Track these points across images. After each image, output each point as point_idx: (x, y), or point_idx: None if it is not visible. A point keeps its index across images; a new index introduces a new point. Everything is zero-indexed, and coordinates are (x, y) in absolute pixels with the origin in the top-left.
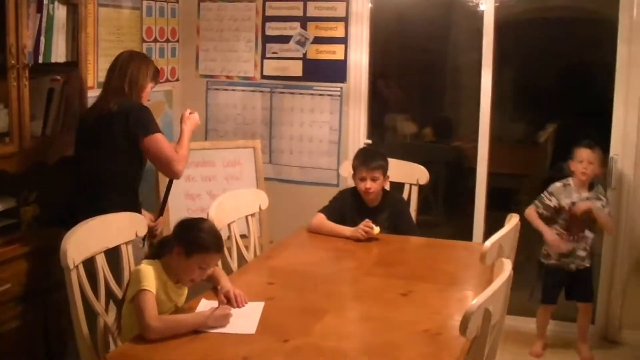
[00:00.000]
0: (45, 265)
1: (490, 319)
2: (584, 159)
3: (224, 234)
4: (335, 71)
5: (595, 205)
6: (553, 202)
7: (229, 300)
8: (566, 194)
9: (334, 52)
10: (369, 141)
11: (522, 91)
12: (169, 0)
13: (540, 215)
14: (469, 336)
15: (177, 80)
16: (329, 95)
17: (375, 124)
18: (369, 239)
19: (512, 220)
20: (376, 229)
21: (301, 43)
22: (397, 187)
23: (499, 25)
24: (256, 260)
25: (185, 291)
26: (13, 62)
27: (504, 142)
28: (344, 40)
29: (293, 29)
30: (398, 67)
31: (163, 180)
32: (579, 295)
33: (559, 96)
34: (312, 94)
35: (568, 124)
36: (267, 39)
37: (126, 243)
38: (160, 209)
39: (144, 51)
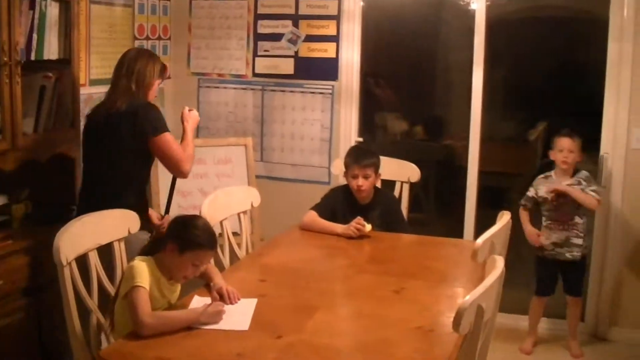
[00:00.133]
0: (37, 262)
1: (483, 315)
2: (564, 147)
3: (216, 231)
4: (327, 69)
5: (563, 186)
6: (531, 193)
7: (221, 297)
8: (547, 184)
9: (326, 50)
10: (360, 139)
11: (513, 90)
12: None
13: (529, 210)
14: (462, 332)
15: (169, 78)
16: (321, 93)
17: (367, 122)
18: (361, 236)
19: (504, 218)
20: (368, 227)
21: (293, 41)
22: (389, 184)
23: (490, 24)
24: (248, 258)
25: (179, 288)
26: (5, 59)
27: (495, 140)
28: (335, 39)
29: (285, 27)
30: (389, 65)
31: (160, 179)
32: (568, 289)
33: (550, 95)
34: (303, 92)
35: (558, 123)
36: (258, 37)
37: (119, 240)
38: (166, 207)
39: None
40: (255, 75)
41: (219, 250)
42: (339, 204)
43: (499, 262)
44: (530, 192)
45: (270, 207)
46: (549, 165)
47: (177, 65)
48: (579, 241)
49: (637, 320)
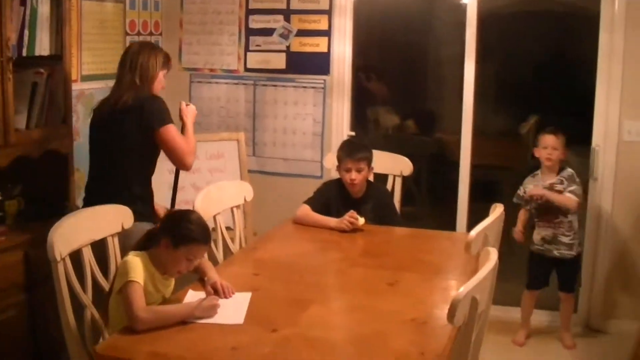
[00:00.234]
0: (31, 258)
1: (477, 307)
2: (548, 145)
3: (210, 226)
4: (319, 64)
5: (540, 190)
6: (521, 192)
7: (216, 292)
8: (534, 182)
9: (318, 45)
10: (353, 133)
11: (505, 83)
12: None
13: (527, 210)
14: (456, 324)
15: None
16: (313, 87)
17: (359, 116)
18: (354, 230)
19: (497, 210)
20: (361, 220)
21: (285, 36)
22: (381, 178)
23: (481, 18)
24: (242, 252)
25: (173, 282)
26: None
27: (487, 134)
28: (327, 33)
29: (276, 22)
30: (381, 59)
31: (155, 174)
32: (561, 286)
33: (541, 88)
34: (295, 87)
35: (550, 116)
36: (250, 32)
37: (112, 235)
38: (171, 201)
39: (127, 44)
40: (247, 70)
41: (212, 245)
42: (332, 198)
43: (493, 254)
44: (520, 191)
45: (263, 201)
46: (539, 162)
47: None
48: (566, 239)
49: (629, 311)
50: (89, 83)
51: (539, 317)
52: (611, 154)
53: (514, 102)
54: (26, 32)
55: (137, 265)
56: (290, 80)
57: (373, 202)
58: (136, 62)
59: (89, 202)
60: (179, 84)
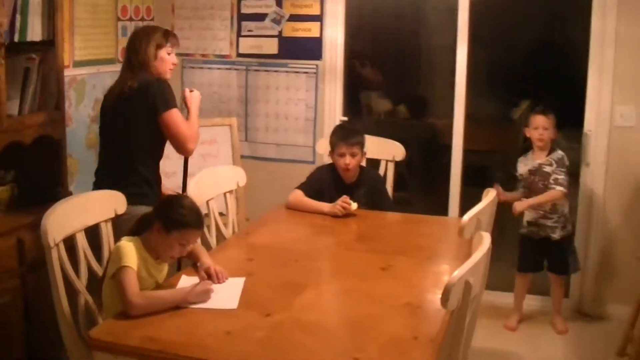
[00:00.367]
0: (24, 244)
1: (471, 291)
2: (539, 125)
3: (203, 211)
4: (311, 49)
5: (524, 204)
6: (517, 172)
7: (209, 277)
8: (525, 162)
9: (310, 30)
10: (345, 118)
11: (496, 69)
12: None
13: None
14: (449, 308)
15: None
16: (305, 72)
17: (351, 102)
18: (347, 215)
19: (489, 195)
20: (354, 205)
21: (277, 21)
22: (374, 163)
23: (473, 3)
24: (235, 237)
25: (166, 268)
26: None
27: (479, 119)
28: (319, 18)
29: (268, 7)
30: (373, 44)
31: None
32: (549, 267)
33: (533, 73)
34: (287, 72)
35: (542, 101)
36: (242, 17)
37: (106, 221)
38: (182, 187)
39: (119, 30)
40: (239, 55)
41: (205, 230)
42: (325, 183)
43: (486, 238)
44: (517, 172)
45: (255, 187)
46: (530, 144)
47: None
48: (549, 222)
49: (621, 296)
50: (81, 69)
51: (531, 302)
52: (603, 139)
53: (506, 87)
54: (18, 17)
55: (130, 250)
56: (282, 66)
57: (366, 187)
58: (133, 47)
59: (98, 186)
60: None
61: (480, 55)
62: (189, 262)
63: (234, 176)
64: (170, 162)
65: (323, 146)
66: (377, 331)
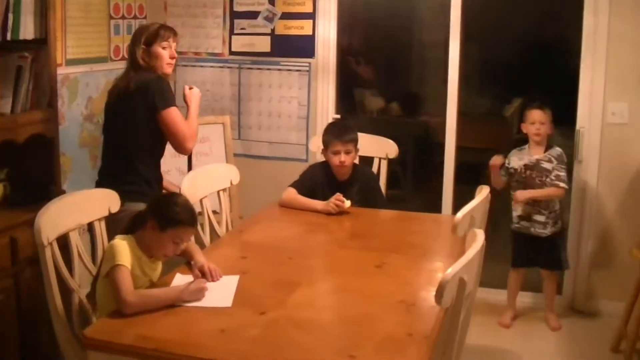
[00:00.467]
0: (17, 243)
1: (465, 288)
2: (535, 120)
3: (196, 210)
4: (304, 47)
5: (526, 194)
6: (506, 163)
7: (203, 275)
8: (519, 155)
9: (302, 28)
10: (338, 116)
11: (489, 66)
12: None
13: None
14: (444, 305)
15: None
16: (298, 70)
17: (344, 99)
18: (340, 212)
19: (483, 192)
20: (347, 203)
21: (269, 19)
22: (367, 161)
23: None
24: (229, 235)
25: (160, 266)
26: None
27: (471, 116)
28: (312, 16)
29: (261, 5)
30: (366, 42)
31: None
32: (541, 263)
33: (526, 70)
34: (280, 70)
35: (534, 98)
36: (235, 15)
37: (99, 219)
38: None
39: (111, 28)
40: (231, 53)
41: (199, 228)
42: (318, 181)
43: (480, 236)
44: (508, 165)
45: (249, 185)
46: (524, 142)
47: None
48: (541, 218)
49: (613, 292)
50: (74, 67)
51: (525, 299)
52: (596, 136)
53: (499, 84)
54: (10, 15)
55: (124, 249)
56: (275, 64)
57: (359, 185)
58: (130, 47)
59: (99, 185)
60: None
61: (472, 52)
62: (183, 260)
63: (228, 174)
64: (163, 160)
65: (316, 144)
66: (371, 328)
